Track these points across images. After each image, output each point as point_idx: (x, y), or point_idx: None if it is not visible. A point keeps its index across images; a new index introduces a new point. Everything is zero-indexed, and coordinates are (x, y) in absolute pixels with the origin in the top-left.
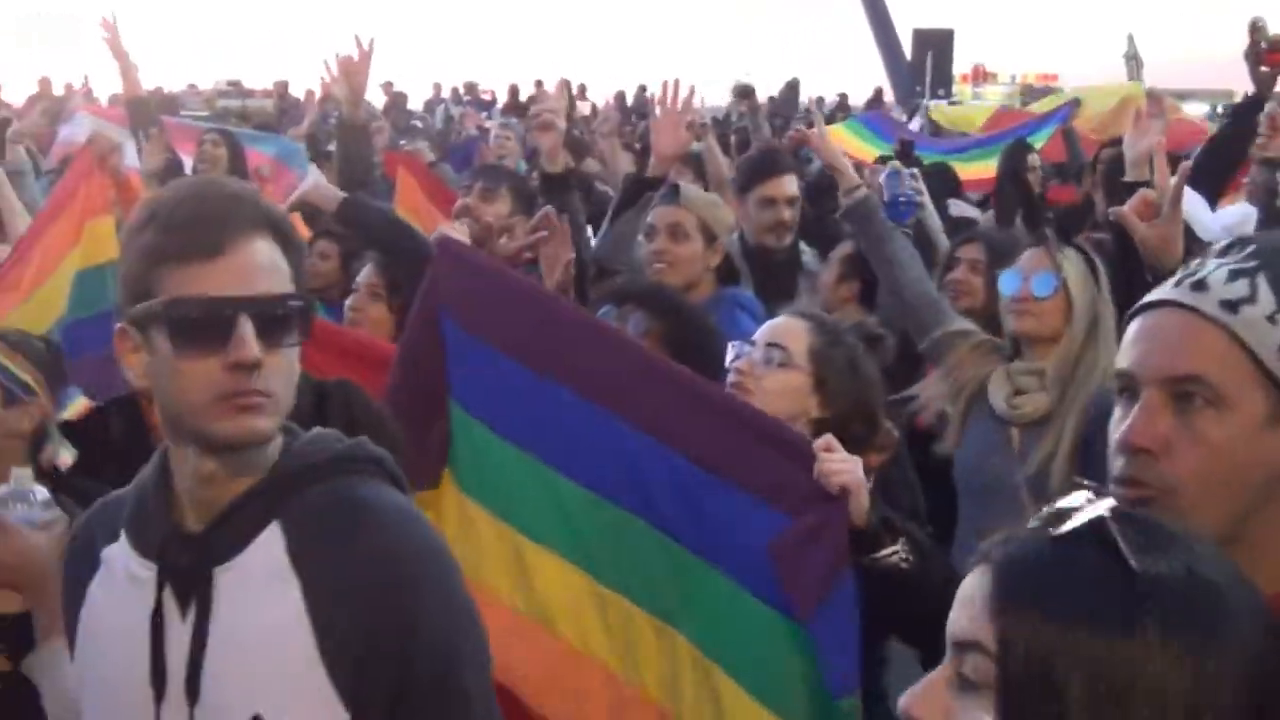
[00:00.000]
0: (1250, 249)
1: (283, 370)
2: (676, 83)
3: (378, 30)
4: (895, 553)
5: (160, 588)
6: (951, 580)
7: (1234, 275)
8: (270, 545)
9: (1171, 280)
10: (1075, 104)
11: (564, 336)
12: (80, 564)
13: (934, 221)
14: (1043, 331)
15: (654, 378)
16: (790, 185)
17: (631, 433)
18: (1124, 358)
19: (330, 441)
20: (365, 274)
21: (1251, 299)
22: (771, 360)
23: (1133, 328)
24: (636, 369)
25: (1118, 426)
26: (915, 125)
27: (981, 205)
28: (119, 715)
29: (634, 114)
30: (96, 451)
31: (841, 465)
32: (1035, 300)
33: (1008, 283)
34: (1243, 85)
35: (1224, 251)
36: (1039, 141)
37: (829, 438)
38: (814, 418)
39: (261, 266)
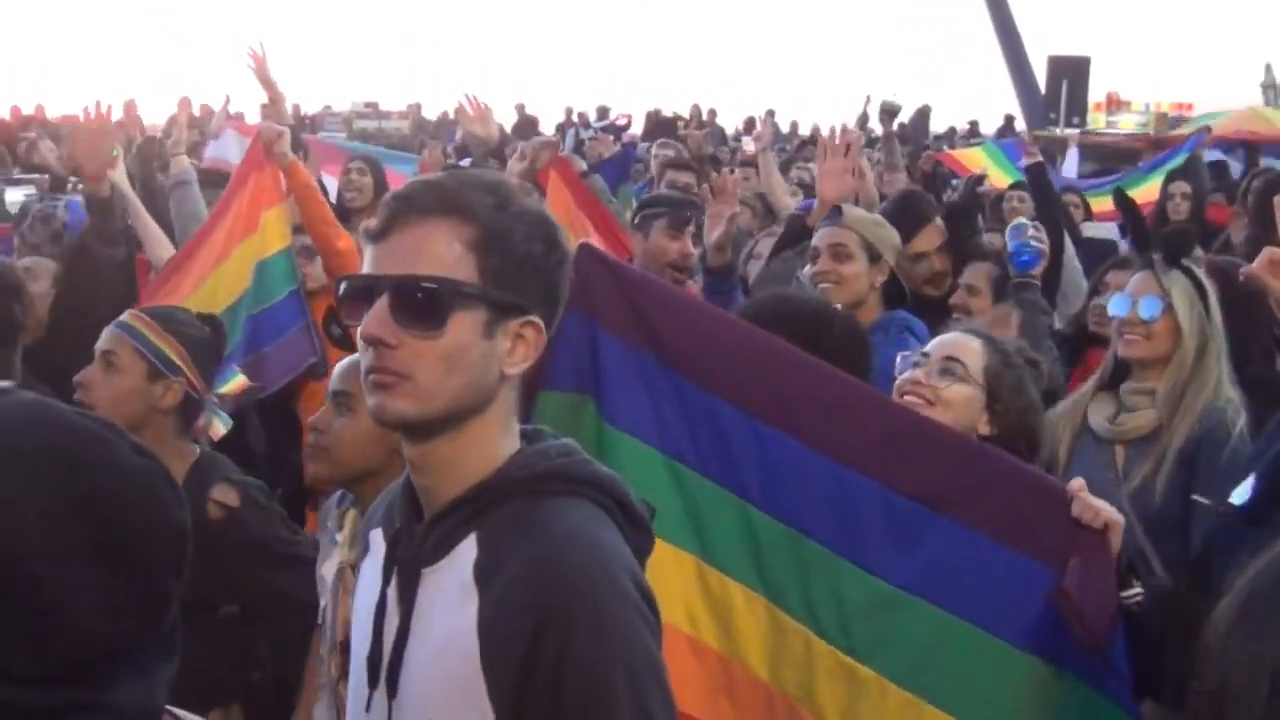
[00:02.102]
0: None
1: (429, 355)
2: (844, 127)
3: (509, 53)
4: (1135, 595)
5: (386, 579)
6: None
7: None
8: (466, 555)
9: None
10: (1207, 130)
11: (746, 358)
12: (360, 543)
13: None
14: (1151, 354)
15: (858, 408)
16: (938, 234)
17: (830, 464)
18: None
19: (551, 454)
20: None
21: None
22: (950, 373)
23: None
24: (837, 398)
25: None
26: (1072, 157)
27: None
28: (356, 693)
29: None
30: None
31: (1101, 503)
32: (1142, 323)
33: (1116, 306)
34: None
35: None
36: (1163, 172)
37: (1081, 480)
38: (981, 435)
39: (419, 249)
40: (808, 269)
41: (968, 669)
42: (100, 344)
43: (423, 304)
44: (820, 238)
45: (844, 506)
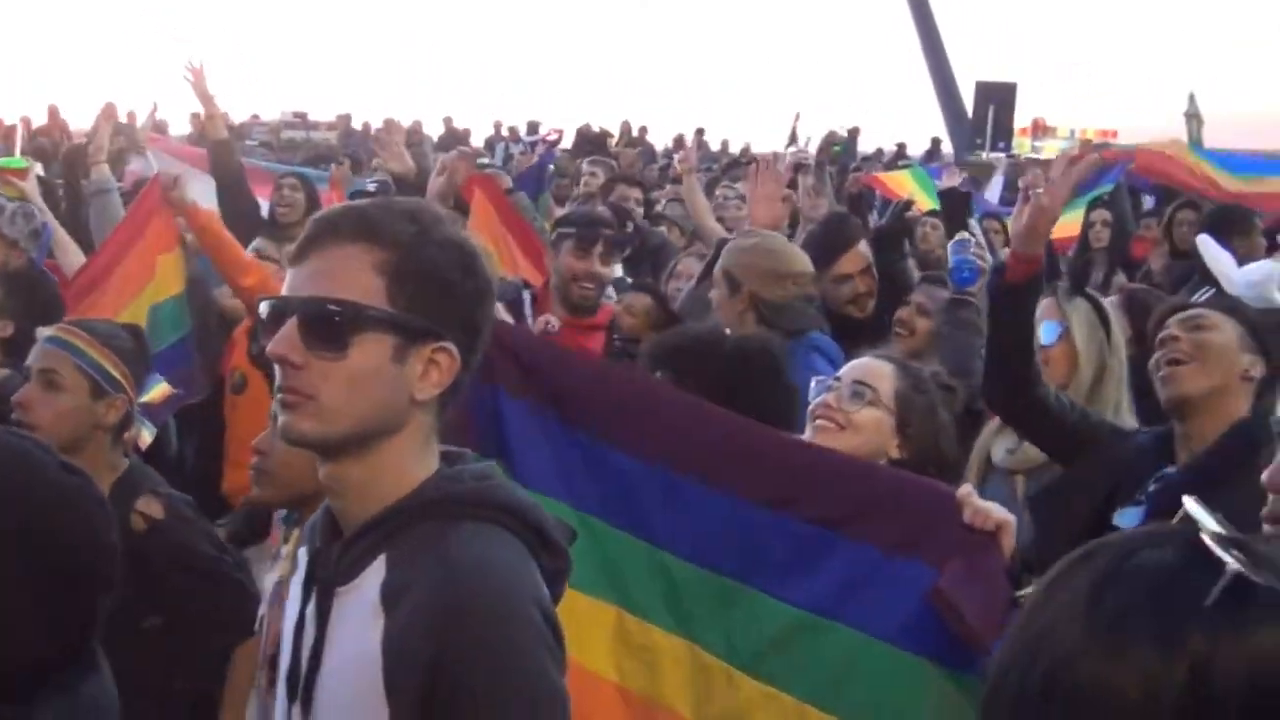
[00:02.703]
0: None
1: (334, 376)
2: (775, 155)
3: (439, 65)
4: (1029, 593)
5: (305, 597)
6: None
7: None
8: (375, 576)
9: None
10: (1130, 159)
11: (647, 411)
12: (293, 562)
13: None
14: (1050, 379)
15: (756, 446)
16: (863, 256)
17: (734, 501)
18: None
19: (465, 479)
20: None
21: None
22: (861, 397)
23: None
24: (735, 438)
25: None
26: (997, 183)
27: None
28: (281, 700)
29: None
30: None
31: (991, 505)
32: (1041, 348)
33: None
34: None
35: None
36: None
37: (969, 486)
38: (893, 458)
39: (330, 273)
40: None
41: (880, 684)
42: (38, 362)
43: (327, 326)
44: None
45: (750, 539)
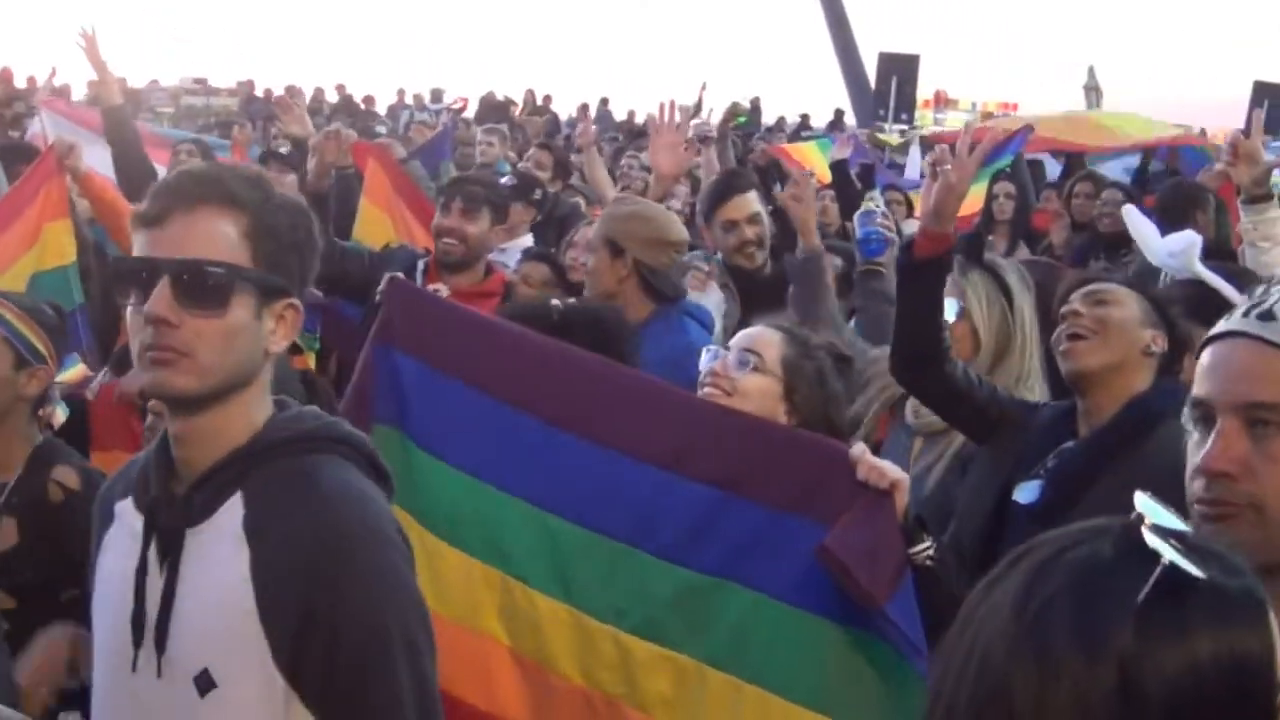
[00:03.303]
0: None
1: (209, 334)
2: (672, 104)
3: (341, 31)
4: (926, 550)
5: (145, 544)
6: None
7: None
8: (232, 513)
9: (1240, 310)
10: (1029, 130)
11: (541, 369)
12: (101, 515)
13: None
14: (956, 355)
15: (648, 404)
16: (750, 203)
17: (624, 461)
18: (1199, 386)
19: (306, 419)
20: None
21: None
22: (746, 364)
23: (1205, 357)
24: (628, 396)
25: (1195, 452)
26: (915, 157)
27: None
28: (111, 656)
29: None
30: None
31: (885, 463)
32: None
33: None
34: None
35: None
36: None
37: (861, 444)
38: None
39: (199, 236)
40: None
41: (778, 643)
42: None
43: (206, 286)
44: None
45: (641, 501)
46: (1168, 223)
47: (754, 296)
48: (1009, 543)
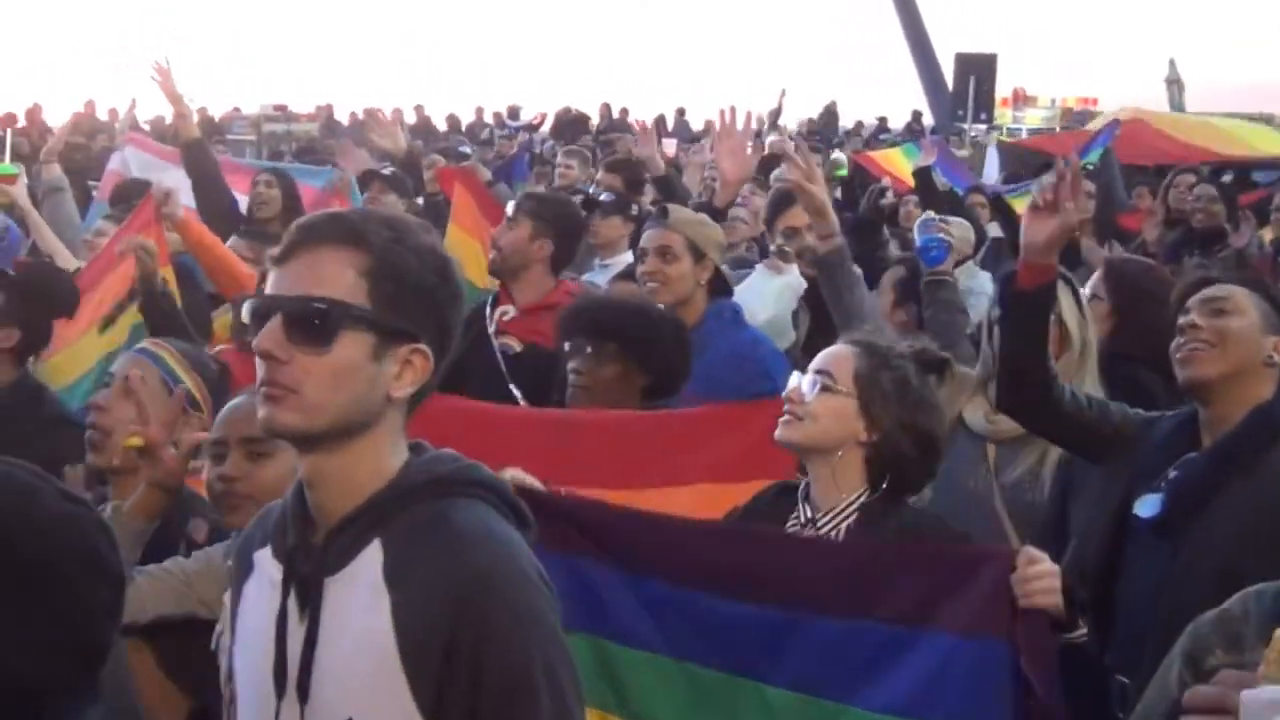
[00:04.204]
0: None
1: (316, 371)
2: (733, 109)
3: (419, 52)
4: (1081, 634)
5: (285, 593)
6: None
7: None
8: (371, 560)
9: None
10: (1116, 125)
11: (673, 539)
12: (240, 564)
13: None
14: None
15: (801, 559)
16: (799, 217)
17: (802, 618)
18: None
19: (443, 463)
20: None
21: None
22: (816, 385)
23: None
24: (771, 555)
25: None
26: (992, 158)
27: None
28: (254, 709)
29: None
30: None
31: (1041, 582)
32: None
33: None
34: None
35: None
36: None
37: (1031, 550)
38: (862, 440)
39: (315, 273)
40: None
41: None
42: (123, 369)
43: (312, 322)
44: (647, 239)
45: (831, 653)
46: None
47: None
48: (1130, 558)
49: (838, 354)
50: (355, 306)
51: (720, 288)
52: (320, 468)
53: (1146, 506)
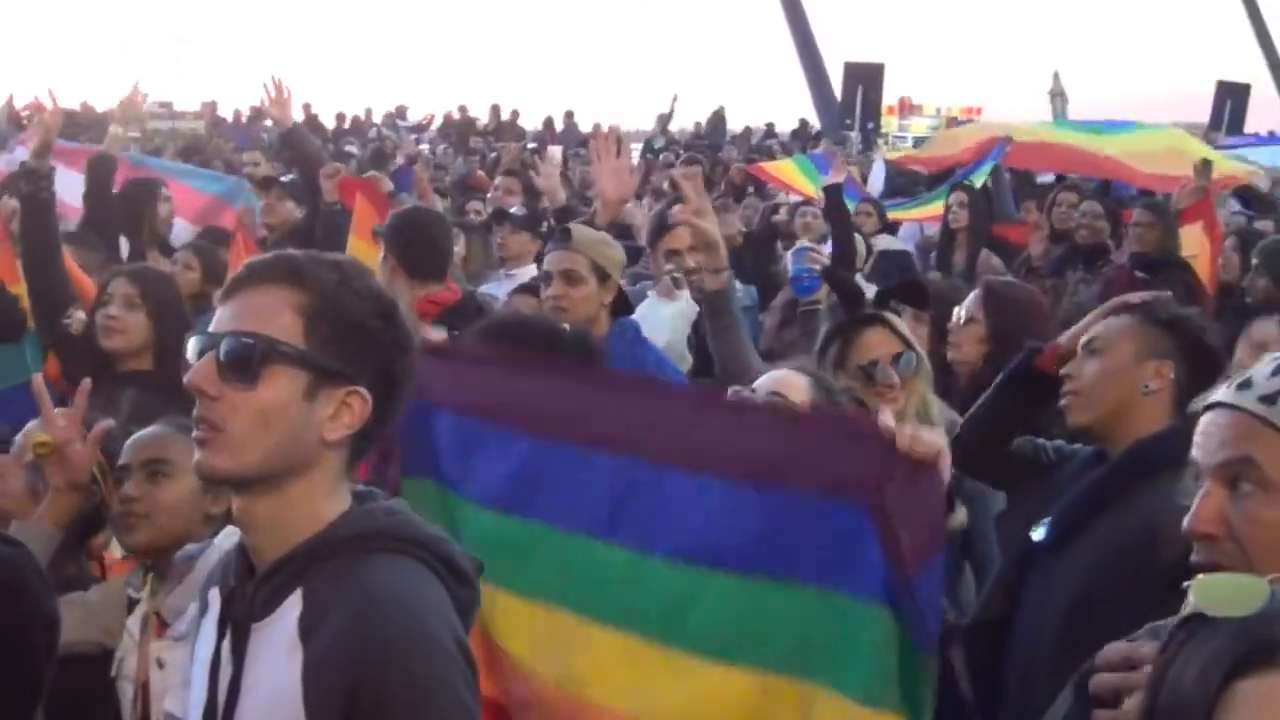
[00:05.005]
0: None
1: (242, 408)
2: (613, 129)
3: (302, 51)
4: (961, 521)
5: (220, 634)
6: None
7: (1277, 370)
8: (292, 611)
9: (1226, 383)
10: (1008, 141)
11: (562, 394)
12: (201, 600)
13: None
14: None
15: (667, 409)
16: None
17: (657, 470)
18: (1194, 450)
19: (377, 516)
20: (117, 284)
21: None
22: None
23: (1198, 425)
24: (649, 407)
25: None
26: (878, 170)
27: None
28: None
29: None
30: None
31: (924, 429)
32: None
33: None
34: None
35: None
36: (978, 180)
37: (889, 411)
38: None
39: (252, 310)
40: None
41: (819, 632)
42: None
43: (240, 358)
44: (550, 262)
45: (675, 508)
46: None
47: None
48: (1029, 578)
49: (791, 380)
50: (284, 344)
51: (621, 306)
52: (250, 510)
53: (1039, 531)
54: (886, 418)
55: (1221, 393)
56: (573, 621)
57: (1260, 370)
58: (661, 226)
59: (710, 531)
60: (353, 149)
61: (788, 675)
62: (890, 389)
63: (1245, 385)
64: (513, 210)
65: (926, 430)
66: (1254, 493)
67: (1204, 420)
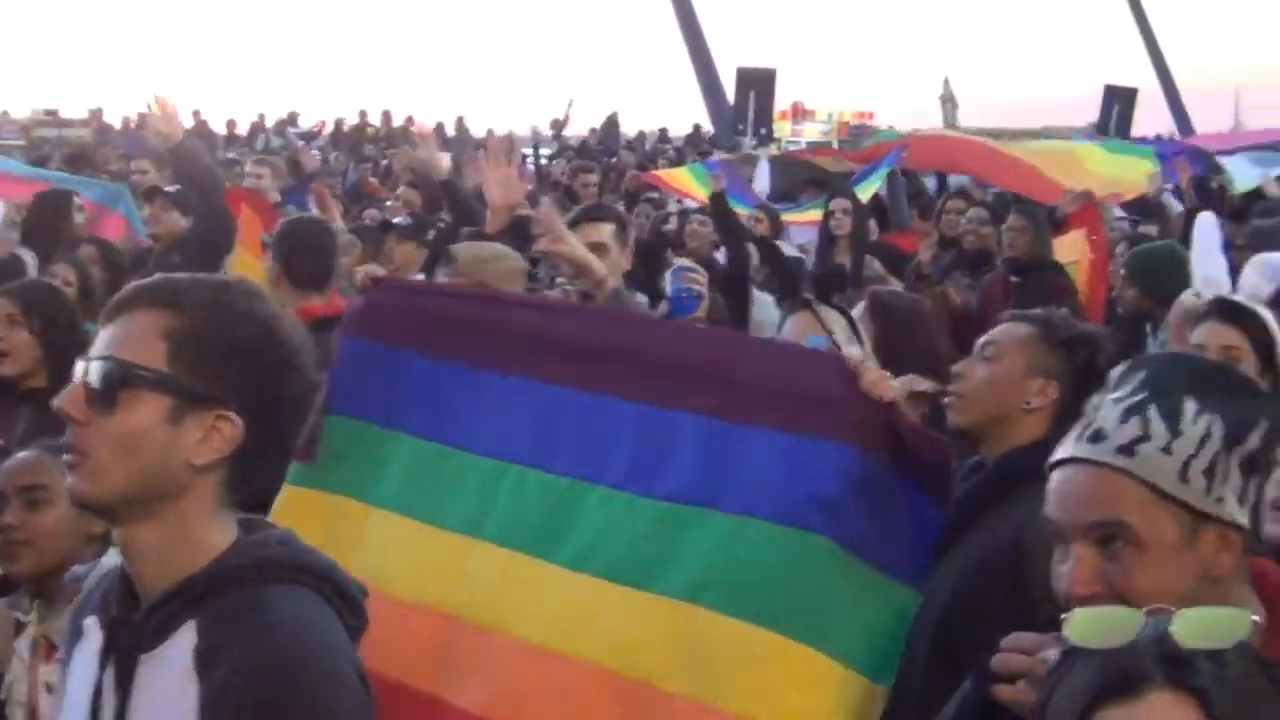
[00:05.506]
0: (1140, 377)
1: (104, 432)
2: (506, 137)
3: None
4: None
5: (102, 665)
6: None
7: (1126, 415)
8: (184, 643)
9: (1072, 436)
10: (904, 148)
11: (505, 325)
12: (73, 627)
13: None
14: None
15: (623, 340)
16: (599, 233)
17: (596, 400)
18: (1049, 508)
19: (269, 546)
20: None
21: (1145, 436)
22: None
23: (1051, 482)
24: (596, 336)
25: (1056, 571)
26: (764, 172)
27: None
28: None
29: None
30: None
31: (885, 374)
32: None
33: None
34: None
35: (1116, 383)
36: (868, 188)
37: (859, 349)
38: None
39: (121, 335)
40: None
41: (762, 569)
42: None
43: (102, 383)
44: None
45: (618, 439)
46: None
47: None
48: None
49: None
50: (143, 368)
51: None
52: (128, 539)
53: None
54: (855, 353)
55: (1074, 446)
56: (524, 561)
57: (1107, 417)
58: (573, 222)
59: (685, 470)
60: (231, 155)
61: (758, 624)
62: None
63: (1098, 437)
64: (397, 220)
65: (888, 375)
66: (1127, 550)
67: (1059, 477)
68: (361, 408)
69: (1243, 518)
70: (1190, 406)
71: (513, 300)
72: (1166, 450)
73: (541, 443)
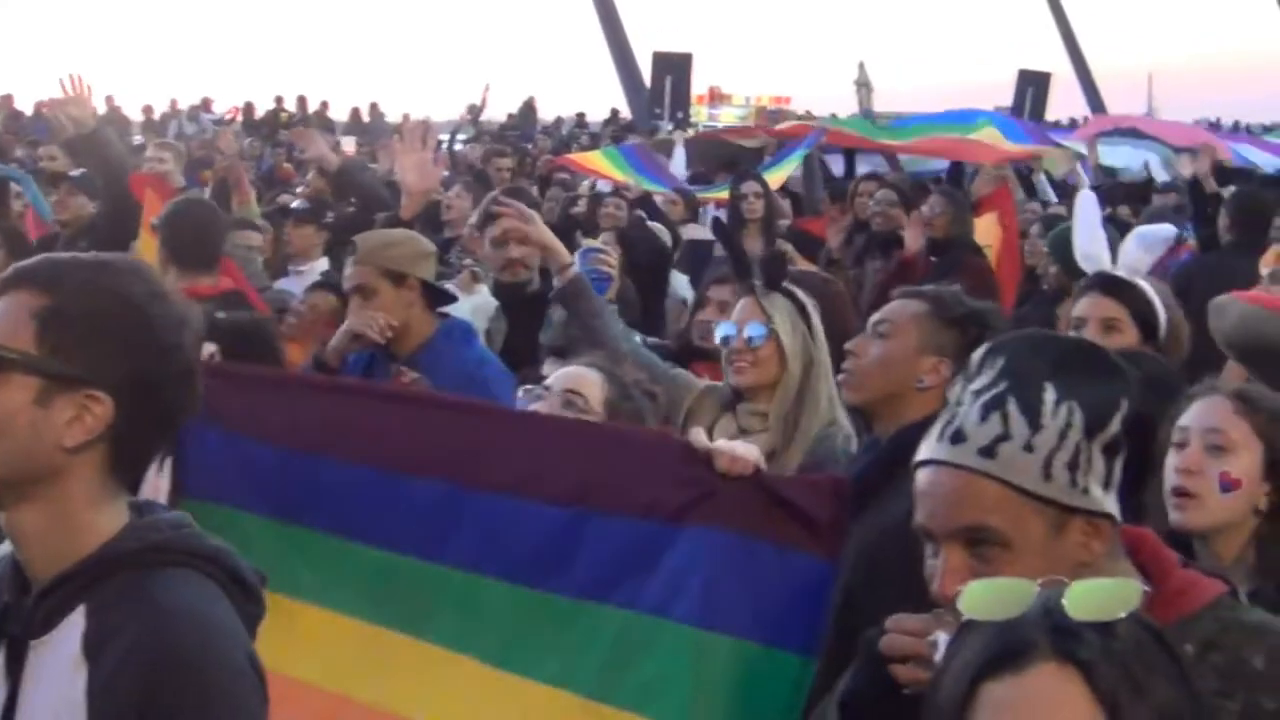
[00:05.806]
0: (1000, 364)
1: None
2: (421, 122)
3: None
4: None
5: None
6: None
7: (986, 411)
8: (74, 628)
9: (934, 434)
10: (822, 132)
11: (363, 416)
12: None
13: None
14: (760, 380)
15: (484, 429)
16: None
17: (467, 493)
18: (917, 511)
19: (161, 529)
20: None
21: (1006, 435)
22: (572, 405)
23: (916, 482)
24: (449, 425)
25: (929, 565)
26: (680, 155)
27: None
28: None
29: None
30: None
31: (735, 444)
32: (749, 349)
33: (723, 331)
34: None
35: (977, 370)
36: (783, 170)
37: (699, 430)
38: None
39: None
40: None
41: (649, 663)
42: None
43: None
44: (346, 279)
45: (492, 531)
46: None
47: (517, 312)
48: None
49: (585, 377)
50: (6, 348)
51: (438, 297)
52: (11, 524)
53: None
54: (697, 435)
55: (936, 447)
56: (393, 638)
57: (967, 416)
58: (488, 215)
59: (528, 553)
60: (138, 139)
61: (609, 703)
62: (737, 357)
63: (958, 438)
64: (295, 204)
65: (738, 444)
66: (995, 549)
67: (924, 479)
68: (219, 492)
69: (1109, 504)
70: (1050, 396)
71: (351, 387)
72: (1028, 448)
73: (432, 534)
